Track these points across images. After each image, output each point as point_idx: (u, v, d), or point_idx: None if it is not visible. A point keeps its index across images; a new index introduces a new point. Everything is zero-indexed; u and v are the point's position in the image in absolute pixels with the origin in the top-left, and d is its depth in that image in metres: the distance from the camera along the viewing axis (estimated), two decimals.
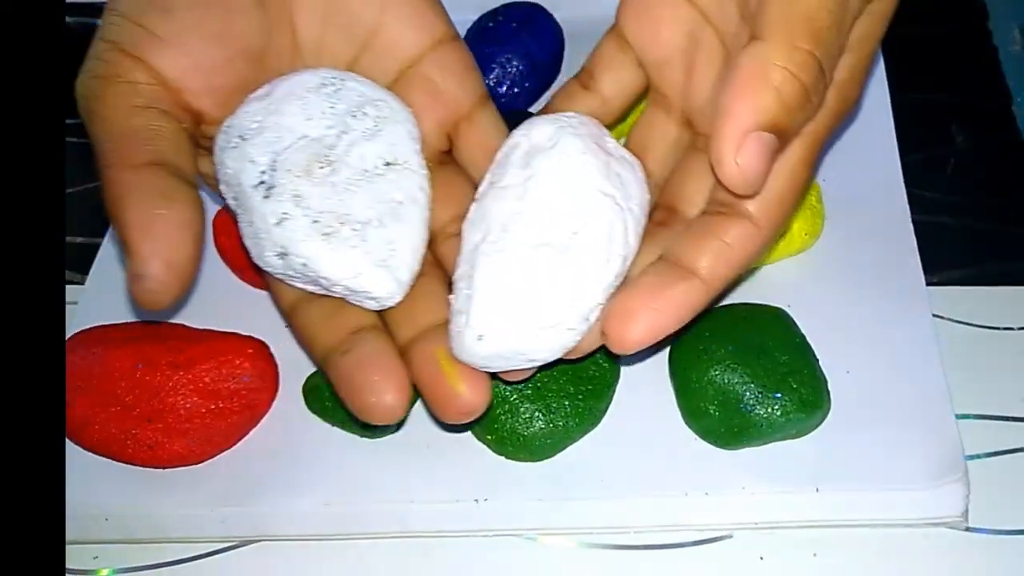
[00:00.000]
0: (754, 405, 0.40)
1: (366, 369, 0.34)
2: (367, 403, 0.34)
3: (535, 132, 0.37)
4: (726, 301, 0.45)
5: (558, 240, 0.35)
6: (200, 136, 0.38)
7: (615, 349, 0.34)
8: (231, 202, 0.37)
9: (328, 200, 0.35)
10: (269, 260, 0.36)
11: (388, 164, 0.37)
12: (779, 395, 0.40)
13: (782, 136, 0.32)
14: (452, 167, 0.40)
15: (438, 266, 0.39)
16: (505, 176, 0.36)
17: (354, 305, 0.37)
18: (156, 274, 0.33)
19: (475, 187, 0.38)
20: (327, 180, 0.36)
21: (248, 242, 0.37)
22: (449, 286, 0.37)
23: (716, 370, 0.41)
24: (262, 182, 0.35)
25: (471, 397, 0.34)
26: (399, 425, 0.43)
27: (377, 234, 0.36)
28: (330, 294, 0.37)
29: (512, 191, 0.36)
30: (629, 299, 0.34)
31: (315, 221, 0.35)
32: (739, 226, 0.34)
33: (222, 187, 0.37)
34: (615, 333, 0.34)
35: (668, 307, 0.34)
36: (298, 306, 0.38)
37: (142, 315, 0.46)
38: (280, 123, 0.36)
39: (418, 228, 0.37)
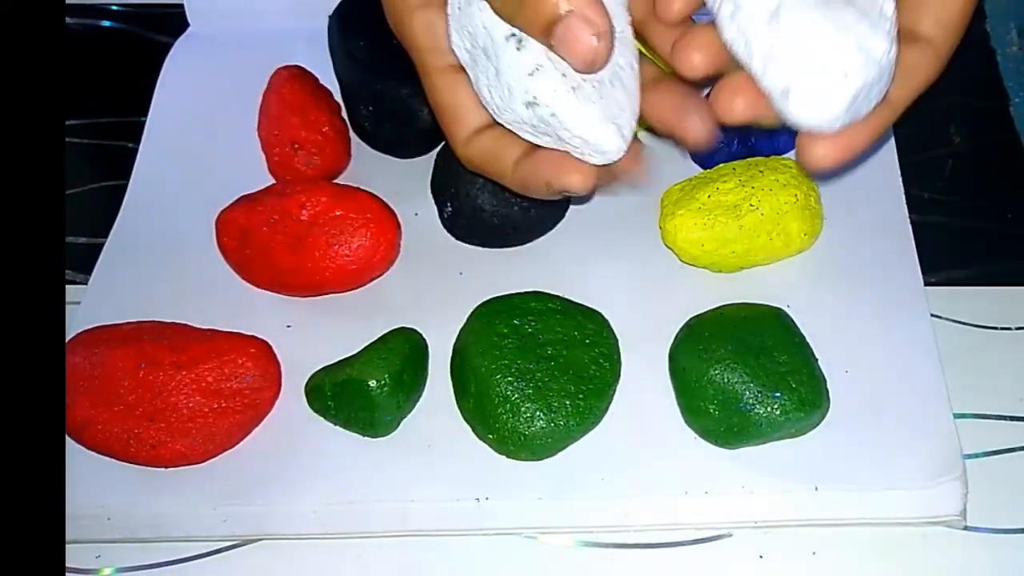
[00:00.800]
0: (754, 404, 0.40)
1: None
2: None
3: None
4: (725, 301, 0.45)
5: None
6: None
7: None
8: (465, 55, 0.38)
9: None
10: (516, 109, 0.36)
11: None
12: (778, 394, 0.40)
13: None
14: None
15: None
16: None
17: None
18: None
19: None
20: None
21: (492, 92, 0.37)
22: None
23: (716, 369, 0.41)
24: (513, 34, 0.36)
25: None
26: (398, 425, 0.43)
27: (610, 93, 0.37)
28: (555, 148, 0.37)
29: None
30: None
31: (564, 75, 0.36)
32: (917, 51, 0.36)
33: (455, 38, 0.38)
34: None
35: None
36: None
37: (144, 314, 0.46)
38: None
39: (635, 92, 0.38)
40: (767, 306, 0.44)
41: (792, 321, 0.44)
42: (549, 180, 0.37)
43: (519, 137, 0.37)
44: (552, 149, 0.37)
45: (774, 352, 0.42)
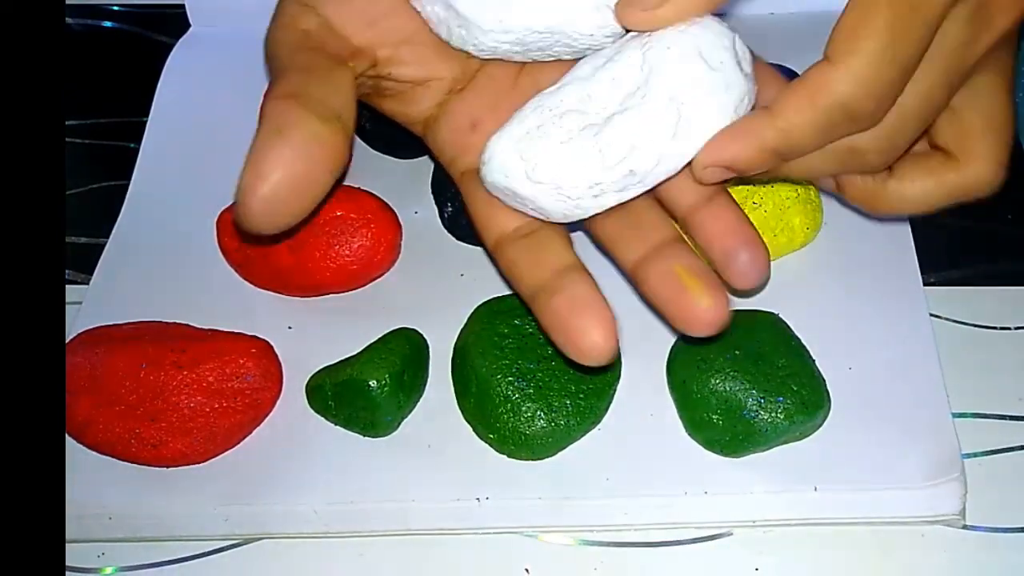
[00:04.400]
0: (757, 411, 0.40)
1: (577, 311, 0.35)
2: (578, 344, 0.34)
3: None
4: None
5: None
6: (383, 78, 0.39)
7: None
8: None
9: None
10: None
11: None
12: (781, 399, 0.41)
13: None
14: None
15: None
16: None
17: (556, 242, 0.37)
18: (244, 186, 0.34)
19: None
20: None
21: None
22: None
23: (716, 379, 0.41)
24: None
25: (716, 308, 0.34)
26: (398, 425, 0.43)
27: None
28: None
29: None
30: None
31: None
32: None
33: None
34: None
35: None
36: (503, 243, 0.38)
37: (146, 314, 0.47)
38: None
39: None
40: (759, 311, 0.44)
41: (786, 325, 0.44)
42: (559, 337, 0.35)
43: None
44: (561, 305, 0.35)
45: (772, 357, 0.42)
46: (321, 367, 0.44)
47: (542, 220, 0.37)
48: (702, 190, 0.37)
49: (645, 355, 0.44)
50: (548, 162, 0.35)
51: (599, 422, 0.43)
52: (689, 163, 0.35)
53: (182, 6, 0.60)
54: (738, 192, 0.45)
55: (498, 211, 0.38)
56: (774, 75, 0.38)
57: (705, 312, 0.34)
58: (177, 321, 0.46)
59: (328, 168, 0.34)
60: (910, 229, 0.48)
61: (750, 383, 0.41)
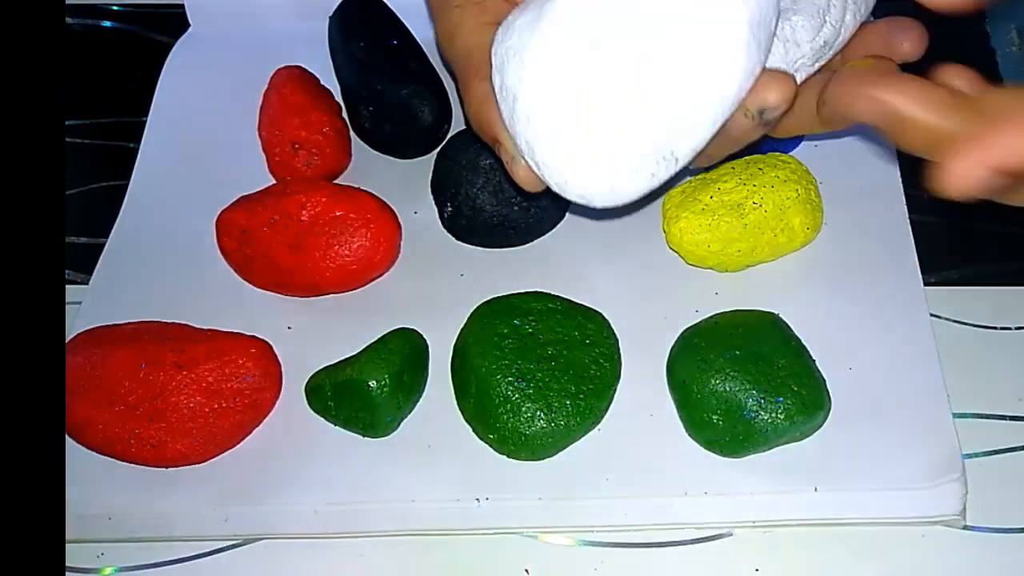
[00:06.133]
0: (757, 411, 0.40)
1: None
2: None
3: None
4: (721, 309, 0.45)
5: None
6: None
7: None
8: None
9: None
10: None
11: None
12: (781, 399, 0.40)
13: None
14: None
15: None
16: None
17: None
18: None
19: None
20: None
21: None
22: None
23: (716, 379, 0.41)
24: None
25: None
26: (398, 425, 0.43)
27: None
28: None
29: None
30: None
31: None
32: None
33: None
34: None
35: None
36: None
37: (145, 314, 0.46)
38: None
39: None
40: (760, 312, 0.44)
41: (786, 325, 0.44)
42: None
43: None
44: None
45: (772, 357, 0.42)
46: (321, 367, 0.44)
47: None
48: None
49: (645, 355, 0.44)
50: (784, 30, 0.38)
51: (599, 422, 0.43)
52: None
53: (181, 6, 0.60)
54: (738, 192, 0.46)
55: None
56: None
57: None
58: (177, 321, 0.46)
59: None
60: (910, 229, 0.48)
61: (750, 383, 0.41)
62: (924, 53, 0.39)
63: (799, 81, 0.38)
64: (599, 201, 0.36)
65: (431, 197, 0.50)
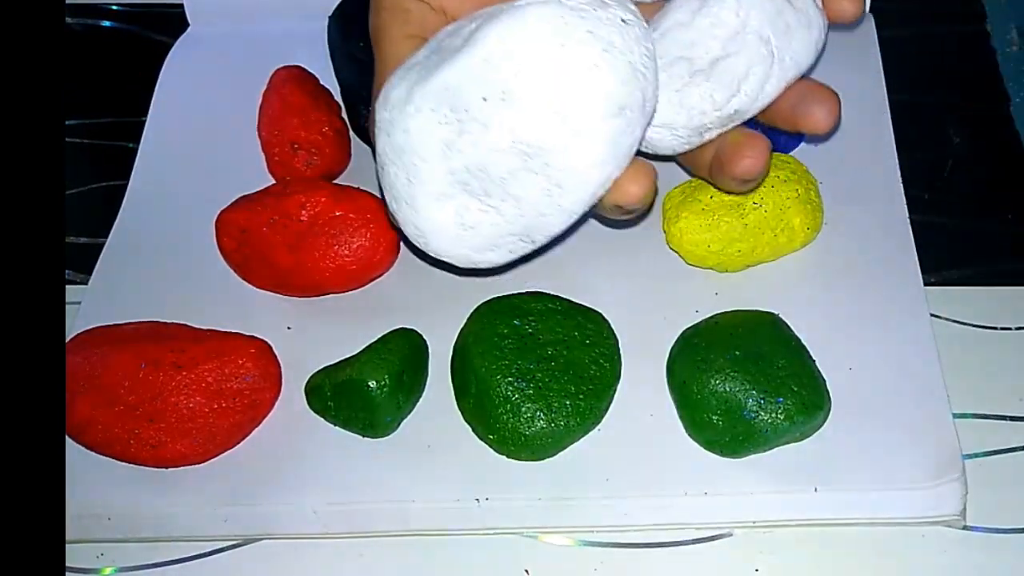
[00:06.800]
0: (757, 411, 0.40)
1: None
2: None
3: None
4: (721, 309, 0.45)
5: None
6: None
7: None
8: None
9: None
10: None
11: None
12: (781, 399, 0.40)
13: None
14: None
15: None
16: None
17: None
18: None
19: None
20: None
21: None
22: None
23: (716, 379, 0.41)
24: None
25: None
26: (398, 425, 0.43)
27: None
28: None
29: None
30: None
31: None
32: None
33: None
34: None
35: None
36: None
37: (145, 314, 0.46)
38: None
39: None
40: (760, 312, 0.44)
41: (786, 325, 0.44)
42: None
43: None
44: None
45: (772, 358, 0.42)
46: (320, 367, 0.44)
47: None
48: None
49: (645, 355, 0.44)
50: (665, 109, 0.38)
51: (599, 422, 0.43)
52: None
53: (181, 6, 0.60)
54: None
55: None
56: None
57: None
58: (177, 321, 0.46)
59: None
60: (910, 229, 0.48)
61: (750, 383, 0.41)
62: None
63: (706, 140, 0.39)
64: (460, 264, 0.39)
65: None
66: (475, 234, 0.37)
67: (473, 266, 0.39)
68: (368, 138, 0.53)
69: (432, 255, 0.39)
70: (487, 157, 0.35)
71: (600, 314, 0.45)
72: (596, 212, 0.38)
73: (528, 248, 0.38)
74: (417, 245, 0.39)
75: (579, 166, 0.35)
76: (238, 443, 0.43)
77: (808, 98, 0.39)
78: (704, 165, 0.40)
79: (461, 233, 0.38)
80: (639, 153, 0.37)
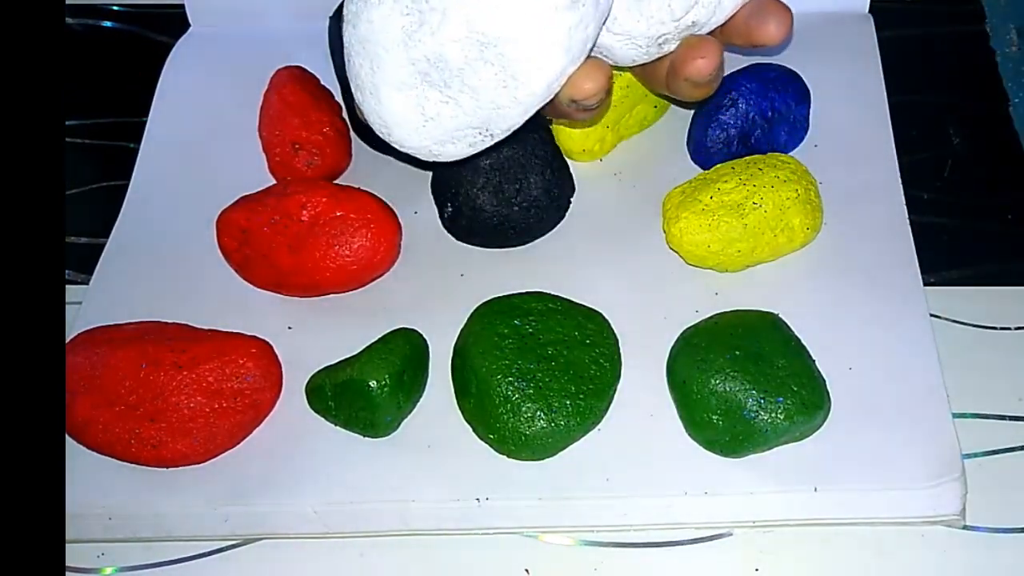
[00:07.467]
0: (757, 411, 0.40)
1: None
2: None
3: None
4: (721, 309, 0.45)
5: None
6: None
7: None
8: None
9: None
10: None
11: None
12: (781, 399, 0.40)
13: None
14: None
15: None
16: None
17: None
18: None
19: None
20: None
21: None
22: None
23: (716, 379, 0.41)
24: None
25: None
26: (398, 425, 0.43)
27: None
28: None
29: None
30: None
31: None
32: None
33: None
34: None
35: None
36: None
37: (146, 314, 0.46)
38: None
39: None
40: (760, 312, 0.44)
41: (786, 325, 0.44)
42: None
43: None
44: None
45: (772, 357, 0.42)
46: (321, 367, 0.44)
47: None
48: None
49: (645, 355, 0.44)
50: (624, 17, 0.38)
51: (599, 422, 0.43)
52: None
53: (181, 6, 0.60)
54: (738, 193, 0.46)
55: None
56: None
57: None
58: (177, 321, 0.46)
59: None
60: (910, 229, 0.48)
61: (750, 383, 0.41)
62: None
63: (665, 52, 0.40)
64: (422, 156, 0.40)
65: (431, 197, 0.50)
66: (435, 125, 0.38)
67: (435, 159, 0.40)
68: (369, 138, 0.53)
69: (396, 147, 0.40)
70: (445, 47, 0.36)
71: (600, 314, 0.45)
72: (557, 110, 0.39)
73: (488, 142, 0.39)
74: (381, 136, 0.40)
75: (532, 56, 0.36)
76: (239, 443, 0.43)
77: (763, 10, 0.39)
78: (661, 78, 0.41)
79: (422, 124, 0.38)
80: None
